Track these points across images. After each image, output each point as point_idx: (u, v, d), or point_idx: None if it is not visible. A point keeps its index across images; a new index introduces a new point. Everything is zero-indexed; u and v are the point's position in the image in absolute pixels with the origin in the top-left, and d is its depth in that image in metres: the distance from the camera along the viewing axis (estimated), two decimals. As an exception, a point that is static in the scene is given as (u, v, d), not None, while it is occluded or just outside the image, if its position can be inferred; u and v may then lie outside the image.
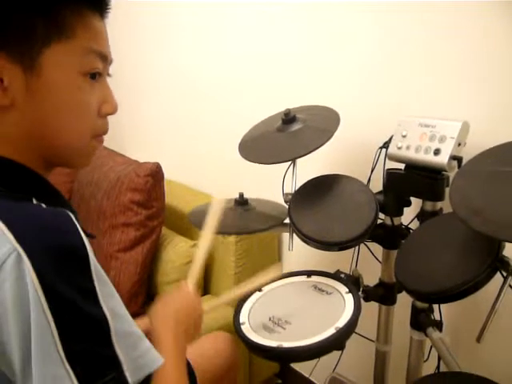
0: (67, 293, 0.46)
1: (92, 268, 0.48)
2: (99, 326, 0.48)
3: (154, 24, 1.93)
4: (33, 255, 0.45)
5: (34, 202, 0.54)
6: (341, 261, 1.23)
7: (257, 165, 1.12)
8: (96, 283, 0.48)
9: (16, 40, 0.53)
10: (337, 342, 0.90)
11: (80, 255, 0.48)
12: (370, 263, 1.22)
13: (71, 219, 0.49)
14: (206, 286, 1.67)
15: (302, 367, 1.74)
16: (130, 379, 0.48)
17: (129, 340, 0.50)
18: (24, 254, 0.45)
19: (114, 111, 0.62)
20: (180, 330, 0.71)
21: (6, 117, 0.55)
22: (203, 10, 1.70)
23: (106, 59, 0.61)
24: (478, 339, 0.80)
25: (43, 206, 0.53)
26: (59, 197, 0.61)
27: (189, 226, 1.75)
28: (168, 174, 1.67)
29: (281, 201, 1.21)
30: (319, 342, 0.87)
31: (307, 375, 1.67)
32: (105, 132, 0.63)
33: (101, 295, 0.48)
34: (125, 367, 0.48)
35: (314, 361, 1.46)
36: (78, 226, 0.49)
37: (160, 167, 1.55)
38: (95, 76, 0.59)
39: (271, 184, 1.24)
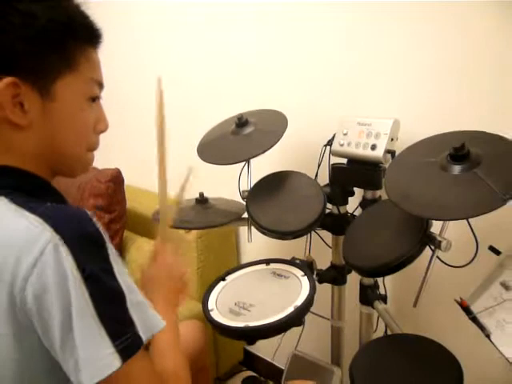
0: (94, 271, 0.56)
1: (110, 252, 0.60)
2: (118, 296, 0.59)
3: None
4: (67, 242, 0.55)
5: (48, 203, 0.63)
6: (295, 249, 1.33)
7: (214, 166, 1.21)
8: (113, 263, 0.59)
9: (34, 72, 0.62)
10: (296, 319, 1.01)
11: (101, 241, 0.59)
12: (322, 249, 1.34)
13: (89, 213, 0.60)
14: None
15: (264, 352, 1.86)
16: (143, 337, 0.59)
17: (139, 307, 0.61)
18: (60, 241, 0.55)
19: (106, 129, 0.74)
20: (170, 297, 0.83)
21: (23, 135, 0.64)
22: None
23: (102, 86, 0.72)
24: (414, 304, 0.94)
25: (63, 205, 0.64)
26: (64, 201, 0.70)
27: (150, 227, 1.82)
28: (127, 180, 1.73)
29: (238, 198, 1.31)
30: (281, 319, 0.98)
31: (270, 359, 1.78)
32: (96, 147, 0.74)
33: (117, 272, 0.59)
34: (138, 328, 0.59)
35: (275, 345, 1.57)
36: (95, 220, 0.60)
37: (120, 172, 1.62)
38: (94, 99, 0.70)
39: (228, 183, 1.34)
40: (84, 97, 0.68)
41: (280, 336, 1.40)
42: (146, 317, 0.62)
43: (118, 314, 0.58)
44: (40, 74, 0.63)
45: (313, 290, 1.06)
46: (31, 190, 0.65)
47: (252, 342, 1.01)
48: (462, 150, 0.85)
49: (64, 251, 0.55)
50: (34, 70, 0.62)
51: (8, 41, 0.60)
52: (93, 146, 0.73)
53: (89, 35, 0.68)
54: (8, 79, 0.60)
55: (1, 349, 0.59)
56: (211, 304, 1.10)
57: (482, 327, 0.86)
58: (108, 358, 0.56)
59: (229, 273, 1.21)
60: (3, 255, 0.56)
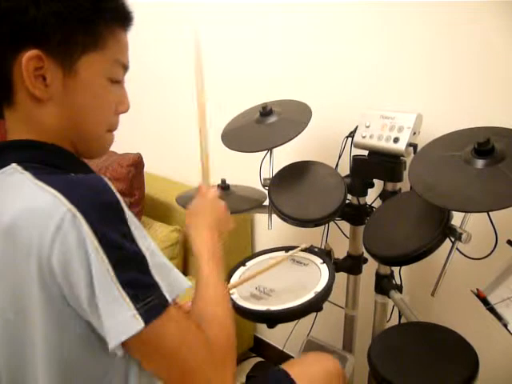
0: (113, 237, 0.58)
1: (128, 218, 0.60)
2: (139, 260, 0.60)
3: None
4: (84, 212, 0.57)
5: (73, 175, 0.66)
6: (310, 238, 1.34)
7: (236, 153, 1.24)
8: (132, 228, 0.60)
9: (60, 47, 0.63)
10: (316, 304, 1.04)
11: (118, 208, 0.60)
12: (338, 239, 1.37)
13: (106, 182, 0.61)
14: (185, 268, 1.78)
15: (275, 340, 1.89)
16: (168, 298, 0.61)
17: (163, 269, 0.62)
18: (77, 211, 0.56)
19: (126, 110, 0.75)
20: (214, 235, 0.87)
21: (44, 110, 0.65)
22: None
23: (126, 69, 0.73)
24: (433, 293, 0.97)
25: (80, 175, 0.65)
26: (92, 172, 0.72)
27: (167, 213, 1.86)
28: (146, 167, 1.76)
29: (258, 186, 1.34)
30: (301, 304, 1.01)
31: (281, 347, 1.81)
32: (116, 128, 0.75)
33: (137, 237, 0.60)
34: (163, 289, 0.61)
35: (286, 332, 1.61)
36: (111, 186, 0.61)
37: (141, 157, 1.64)
38: (117, 81, 0.71)
39: (249, 171, 1.36)
40: (107, 77, 0.69)
41: (293, 323, 1.45)
42: (171, 278, 0.63)
43: (139, 278, 0.59)
44: (66, 50, 0.63)
45: (332, 276, 1.09)
46: (56, 162, 0.67)
47: (273, 325, 1.04)
48: (486, 144, 0.87)
49: (82, 221, 0.56)
50: (61, 45, 0.63)
51: (40, 15, 0.61)
52: (112, 127, 0.74)
53: (120, 16, 0.69)
54: (32, 52, 0.61)
55: (34, 316, 0.61)
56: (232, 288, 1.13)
57: (499, 317, 0.89)
58: (130, 320, 0.57)
59: (249, 259, 1.23)
60: (28, 228, 0.58)
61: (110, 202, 0.60)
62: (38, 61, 0.62)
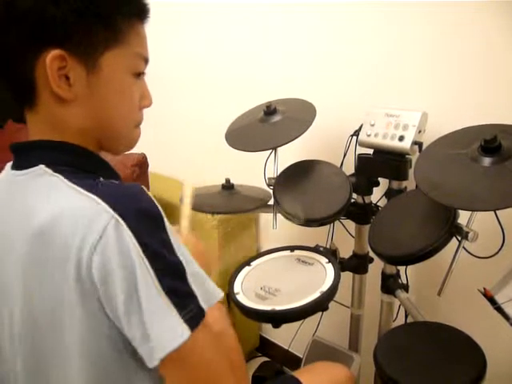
0: (154, 245, 0.57)
1: (167, 226, 0.60)
2: (179, 270, 0.59)
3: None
4: (127, 219, 0.56)
5: (102, 180, 0.64)
6: (315, 237, 1.33)
7: (240, 153, 1.24)
8: (171, 237, 0.60)
9: (82, 45, 0.62)
10: (322, 304, 1.03)
11: (158, 216, 0.59)
12: (343, 238, 1.36)
13: (144, 189, 0.61)
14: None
15: (281, 340, 1.89)
16: (204, 307, 0.60)
17: (198, 278, 0.62)
18: (120, 218, 0.56)
19: (150, 105, 0.74)
20: None
21: (69, 110, 0.64)
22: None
23: (147, 62, 0.72)
24: (439, 293, 0.96)
25: (116, 182, 0.65)
26: (117, 175, 0.71)
27: (171, 213, 1.84)
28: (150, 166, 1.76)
29: (263, 185, 1.33)
30: (307, 303, 1.01)
31: (286, 347, 1.81)
32: (141, 122, 0.74)
33: (175, 246, 0.60)
34: (200, 299, 0.60)
35: (291, 332, 1.60)
36: (151, 195, 0.60)
37: (145, 157, 1.64)
38: (139, 75, 0.70)
39: (253, 170, 1.36)
40: (130, 71, 0.68)
41: (299, 323, 1.44)
42: (205, 287, 0.63)
43: (181, 287, 0.59)
44: (88, 47, 0.63)
45: (338, 276, 1.09)
46: (84, 165, 0.66)
47: (278, 325, 1.04)
48: (493, 142, 0.86)
49: (125, 229, 0.55)
50: (82, 42, 0.62)
51: (59, 13, 0.60)
52: (138, 122, 0.73)
53: (138, 9, 0.68)
54: (55, 52, 0.60)
55: (70, 321, 0.60)
56: (237, 287, 1.12)
57: (506, 317, 0.88)
58: (178, 329, 0.56)
59: (254, 258, 1.23)
60: (67, 232, 0.57)
61: (151, 211, 0.59)
62: (61, 60, 0.61)
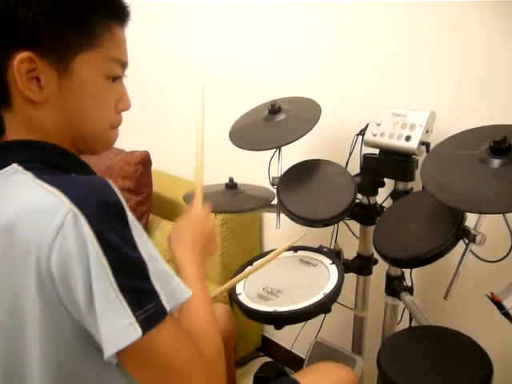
0: (114, 240, 0.56)
1: (130, 221, 0.59)
2: (139, 266, 0.58)
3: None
4: (86, 213, 0.55)
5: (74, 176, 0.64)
6: (319, 238, 1.33)
7: (243, 152, 1.22)
8: (133, 233, 0.58)
9: (53, 47, 0.61)
10: (325, 306, 1.02)
11: (121, 211, 0.58)
12: (348, 239, 1.34)
13: (109, 184, 0.60)
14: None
15: (283, 340, 1.87)
16: (167, 307, 0.59)
17: (163, 277, 0.61)
18: (79, 212, 0.55)
19: (128, 108, 0.72)
20: (197, 248, 0.83)
21: (42, 111, 0.64)
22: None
23: (125, 66, 0.70)
24: (445, 296, 0.94)
25: (84, 176, 0.64)
26: (91, 172, 0.71)
27: (174, 211, 1.85)
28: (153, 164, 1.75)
29: (267, 185, 1.31)
30: (310, 305, 0.99)
31: (289, 347, 1.80)
32: (119, 124, 0.73)
33: (138, 242, 0.58)
34: (162, 298, 0.59)
35: (294, 333, 1.59)
36: (115, 188, 0.59)
37: (149, 155, 1.63)
38: (115, 79, 0.69)
39: (257, 170, 1.34)
40: (104, 75, 0.66)
41: (302, 324, 1.42)
42: (171, 286, 0.61)
43: (139, 285, 0.58)
44: (59, 50, 0.62)
45: (341, 278, 1.07)
46: (57, 162, 0.65)
47: (280, 326, 1.02)
48: (503, 143, 0.84)
49: (83, 223, 0.55)
50: (54, 45, 0.61)
51: (30, 15, 0.59)
52: (115, 124, 0.72)
53: (115, 12, 0.66)
54: (22, 55, 0.59)
55: (31, 319, 0.59)
56: (239, 288, 1.11)
57: (514, 322, 0.86)
58: (128, 328, 0.55)
59: (256, 259, 1.22)
60: (29, 229, 0.57)
61: (112, 204, 0.58)
62: (30, 63, 0.60)
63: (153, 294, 0.58)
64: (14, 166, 0.63)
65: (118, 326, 0.55)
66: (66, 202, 0.56)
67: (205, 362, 0.65)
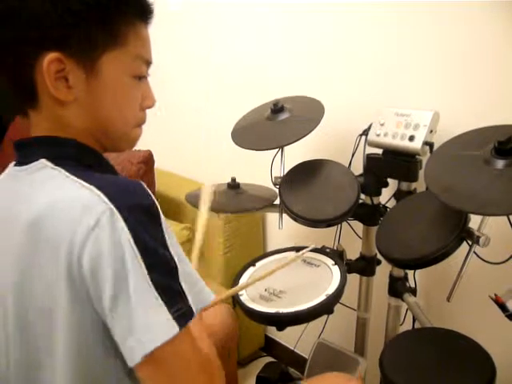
0: (148, 240, 0.57)
1: (163, 222, 0.60)
2: (172, 267, 0.59)
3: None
4: (122, 211, 0.56)
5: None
6: (322, 238, 1.32)
7: (246, 152, 1.22)
8: (165, 234, 0.59)
9: (80, 47, 0.61)
10: (327, 307, 1.01)
11: (155, 212, 0.59)
12: (351, 239, 1.34)
13: (143, 184, 0.60)
14: (195, 267, 1.76)
15: (286, 340, 1.87)
16: (193, 308, 0.59)
17: (190, 279, 0.62)
18: (116, 210, 0.55)
19: (153, 105, 0.73)
20: None
21: (69, 111, 0.64)
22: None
23: (149, 64, 0.71)
24: (449, 298, 0.94)
25: (118, 176, 0.66)
26: (116, 172, 0.71)
27: (177, 210, 1.84)
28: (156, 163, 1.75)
29: (269, 184, 1.31)
30: (312, 306, 0.99)
31: (291, 347, 1.79)
32: (144, 122, 0.74)
33: (169, 243, 0.59)
34: (189, 298, 0.59)
35: (297, 333, 1.58)
36: (149, 191, 0.60)
37: (152, 154, 1.63)
38: (141, 78, 0.69)
39: (260, 169, 1.34)
40: (130, 74, 0.67)
41: (305, 324, 1.42)
42: (197, 289, 0.63)
43: (172, 284, 0.58)
44: (87, 49, 0.62)
45: (344, 279, 1.07)
46: (87, 161, 0.66)
47: (282, 328, 1.02)
48: (508, 143, 0.83)
49: (120, 221, 0.55)
50: (81, 44, 0.61)
51: (56, 14, 0.59)
52: (140, 122, 0.72)
53: (139, 10, 0.67)
54: (51, 56, 0.60)
55: (57, 311, 0.59)
56: (241, 289, 1.11)
57: (518, 325, 0.85)
58: (167, 324, 0.56)
59: (259, 259, 1.21)
60: (62, 222, 0.57)
61: (148, 206, 0.59)
62: (58, 63, 0.61)
63: (183, 295, 0.59)
64: (43, 161, 0.63)
65: (156, 322, 0.56)
66: (104, 200, 0.56)
67: (210, 367, 0.65)
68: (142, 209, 0.58)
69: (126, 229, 0.55)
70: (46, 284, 0.60)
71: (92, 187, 0.58)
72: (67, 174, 0.61)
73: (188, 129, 1.97)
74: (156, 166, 1.74)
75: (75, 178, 0.60)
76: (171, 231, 0.61)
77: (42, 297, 0.61)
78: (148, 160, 1.61)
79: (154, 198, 0.60)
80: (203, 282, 0.65)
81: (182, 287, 0.59)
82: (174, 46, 1.91)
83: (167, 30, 1.89)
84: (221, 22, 1.69)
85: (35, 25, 0.60)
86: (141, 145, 1.77)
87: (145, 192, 0.60)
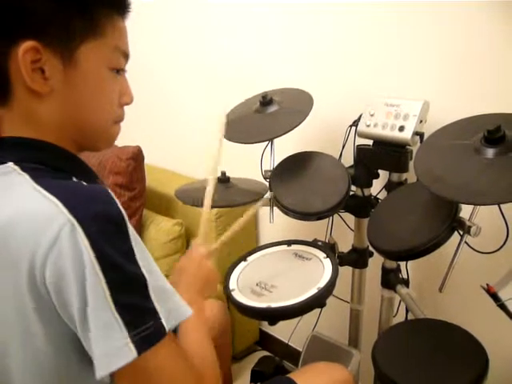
0: (112, 255, 0.53)
1: (130, 233, 0.56)
2: (139, 283, 0.55)
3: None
4: (84, 224, 0.52)
5: (74, 179, 0.62)
6: (315, 231, 1.32)
7: (235, 145, 1.20)
8: (134, 247, 0.56)
9: (58, 37, 0.59)
10: (319, 300, 1.00)
11: (121, 223, 0.55)
12: (343, 232, 1.33)
13: (110, 193, 0.57)
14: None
15: (279, 333, 1.87)
16: (166, 326, 0.56)
17: (163, 294, 0.58)
18: (77, 223, 0.52)
19: (130, 102, 0.70)
20: (196, 289, 0.81)
21: (44, 104, 0.61)
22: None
23: (127, 57, 0.69)
24: (441, 289, 0.93)
25: (84, 183, 0.61)
26: (92, 174, 0.68)
27: (168, 206, 1.83)
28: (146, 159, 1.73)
29: (259, 178, 1.30)
30: (304, 300, 0.97)
31: (286, 341, 1.79)
32: (122, 119, 0.71)
33: (138, 257, 0.56)
34: (161, 316, 0.55)
35: (291, 326, 1.58)
36: (115, 198, 0.57)
37: (141, 150, 1.61)
38: (118, 71, 0.67)
39: (249, 163, 1.32)
40: (109, 66, 0.65)
41: (298, 318, 1.41)
42: (171, 304, 0.59)
43: (138, 303, 0.55)
44: (64, 39, 0.60)
45: (335, 272, 1.06)
46: (56, 163, 0.63)
47: (274, 322, 1.01)
48: (497, 132, 0.82)
49: (80, 234, 0.52)
50: (58, 34, 0.59)
51: (33, 3, 0.57)
52: (118, 119, 0.70)
53: (117, 3, 0.65)
54: (27, 44, 0.57)
55: (27, 323, 0.57)
56: (232, 284, 1.09)
57: (510, 314, 0.85)
58: (123, 349, 0.53)
59: (250, 253, 1.20)
60: (22, 234, 0.55)
61: (112, 216, 0.55)
62: (35, 53, 0.58)
63: (152, 313, 0.56)
64: (11, 165, 0.60)
65: (112, 347, 0.53)
66: (64, 211, 0.53)
67: (197, 374, 0.63)
68: (106, 219, 0.54)
69: (87, 243, 0.52)
70: (7, 302, 0.58)
71: (53, 198, 0.55)
72: (32, 181, 0.58)
73: (177, 123, 1.95)
74: (146, 161, 1.72)
75: (38, 187, 0.57)
76: (141, 243, 0.58)
77: (4, 317, 0.59)
78: (137, 156, 1.59)
79: (120, 207, 0.56)
80: (179, 297, 0.61)
81: (152, 304, 0.56)
82: (164, 41, 1.88)
83: (159, 26, 1.87)
84: (207, 15, 1.67)
85: (10, 9, 0.57)
86: (130, 140, 1.76)
87: (111, 200, 0.56)
